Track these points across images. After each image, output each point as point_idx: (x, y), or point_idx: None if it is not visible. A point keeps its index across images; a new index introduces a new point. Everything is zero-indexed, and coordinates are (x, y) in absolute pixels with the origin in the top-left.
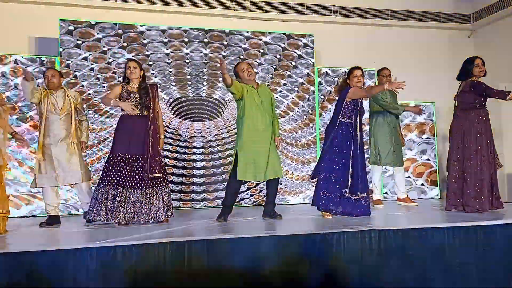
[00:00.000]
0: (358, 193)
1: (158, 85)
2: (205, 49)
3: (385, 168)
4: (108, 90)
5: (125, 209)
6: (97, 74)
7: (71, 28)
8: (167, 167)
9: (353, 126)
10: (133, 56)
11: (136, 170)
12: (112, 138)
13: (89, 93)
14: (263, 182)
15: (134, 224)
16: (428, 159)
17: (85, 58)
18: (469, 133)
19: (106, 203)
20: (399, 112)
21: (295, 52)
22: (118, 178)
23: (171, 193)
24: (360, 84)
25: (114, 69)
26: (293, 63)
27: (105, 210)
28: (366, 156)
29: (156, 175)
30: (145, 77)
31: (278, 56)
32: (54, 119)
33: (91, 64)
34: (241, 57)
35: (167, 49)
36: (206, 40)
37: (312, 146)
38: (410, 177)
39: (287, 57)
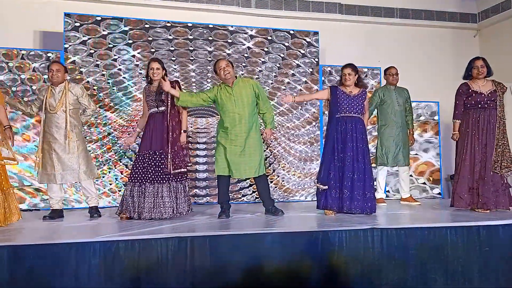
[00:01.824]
0: (360, 191)
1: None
2: (210, 47)
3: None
4: (114, 86)
5: (154, 204)
6: (97, 61)
7: (77, 24)
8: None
9: (346, 121)
10: (138, 52)
11: (161, 165)
12: (115, 133)
13: (94, 88)
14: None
15: (162, 219)
16: (430, 158)
17: (91, 55)
18: (466, 134)
19: (135, 199)
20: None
21: (302, 44)
22: (143, 175)
23: None
24: (349, 82)
25: (120, 66)
26: (298, 61)
27: (136, 206)
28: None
29: (182, 170)
30: (166, 76)
31: (283, 54)
32: (52, 115)
33: (96, 60)
34: (245, 54)
35: (171, 46)
36: (210, 38)
37: (315, 144)
38: (412, 176)
39: (291, 54)
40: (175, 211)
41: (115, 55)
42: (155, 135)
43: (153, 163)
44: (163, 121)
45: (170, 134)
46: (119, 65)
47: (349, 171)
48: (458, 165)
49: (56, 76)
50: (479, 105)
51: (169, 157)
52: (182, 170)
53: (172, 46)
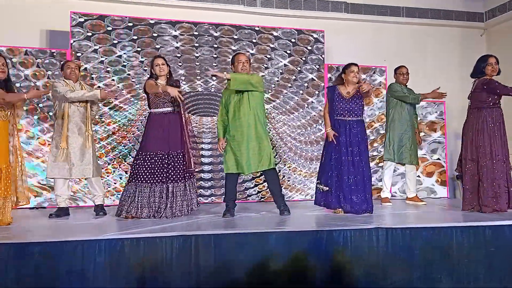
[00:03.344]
0: (359, 193)
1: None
2: (215, 43)
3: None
4: (118, 84)
5: (166, 204)
6: (102, 58)
7: (81, 20)
8: None
9: (343, 124)
10: (143, 49)
11: (179, 165)
12: (119, 132)
13: (98, 86)
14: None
15: (178, 216)
16: (438, 159)
17: (95, 51)
18: (482, 133)
19: (145, 200)
20: (417, 101)
21: (309, 41)
22: (153, 175)
23: None
24: (356, 80)
25: (124, 62)
26: (303, 59)
27: (145, 206)
28: (375, 154)
29: (198, 169)
30: (171, 73)
31: (288, 52)
32: (73, 110)
33: (101, 58)
34: (251, 51)
35: (176, 42)
36: (216, 35)
37: (321, 143)
38: (419, 176)
39: (297, 53)
40: (188, 208)
41: (119, 51)
42: (169, 135)
43: (171, 164)
44: (179, 121)
45: (186, 133)
46: (124, 62)
47: (348, 173)
48: (482, 167)
49: (74, 73)
50: (498, 104)
51: (191, 155)
52: (198, 169)
53: (177, 42)
